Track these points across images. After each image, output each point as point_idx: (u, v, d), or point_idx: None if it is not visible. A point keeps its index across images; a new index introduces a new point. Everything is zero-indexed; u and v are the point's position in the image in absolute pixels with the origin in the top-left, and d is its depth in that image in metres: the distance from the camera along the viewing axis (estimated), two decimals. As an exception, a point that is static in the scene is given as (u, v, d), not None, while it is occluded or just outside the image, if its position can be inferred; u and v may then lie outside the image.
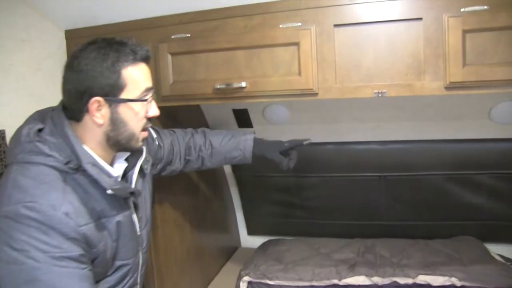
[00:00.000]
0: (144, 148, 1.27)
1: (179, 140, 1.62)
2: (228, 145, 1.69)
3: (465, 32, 1.43)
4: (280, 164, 1.68)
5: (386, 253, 2.05)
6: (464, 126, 1.99)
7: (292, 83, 1.57)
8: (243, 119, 2.12)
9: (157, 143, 1.49)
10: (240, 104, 2.06)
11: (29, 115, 1.15)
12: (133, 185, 1.22)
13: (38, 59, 1.76)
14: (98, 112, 1.07)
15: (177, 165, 1.61)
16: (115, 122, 1.09)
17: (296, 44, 1.55)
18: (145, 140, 1.21)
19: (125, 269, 1.21)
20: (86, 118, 1.09)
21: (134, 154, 1.24)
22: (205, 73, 1.66)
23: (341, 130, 2.10)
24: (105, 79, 1.05)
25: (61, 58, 1.85)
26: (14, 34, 1.65)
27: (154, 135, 1.49)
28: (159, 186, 1.67)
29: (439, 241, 2.17)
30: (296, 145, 1.70)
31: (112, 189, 1.08)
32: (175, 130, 1.65)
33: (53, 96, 1.68)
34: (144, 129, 1.17)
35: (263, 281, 1.85)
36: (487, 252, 2.02)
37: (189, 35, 1.67)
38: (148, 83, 1.14)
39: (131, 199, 1.21)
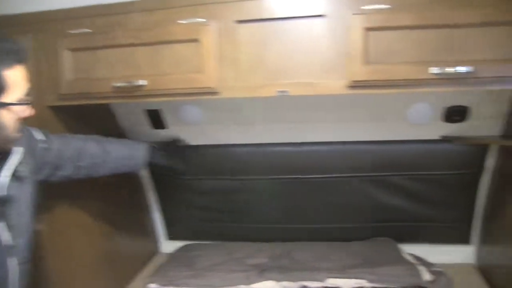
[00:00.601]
0: (18, 150, 1.17)
1: (71, 145, 1.52)
2: (122, 153, 1.65)
3: (368, 30, 1.40)
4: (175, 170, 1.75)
5: (303, 257, 2.03)
6: (380, 128, 1.97)
7: (193, 81, 1.50)
8: (156, 120, 2.03)
9: (43, 146, 1.38)
10: (152, 105, 1.97)
11: None
12: (3, 191, 1.11)
13: None
14: None
15: (68, 171, 1.50)
16: None
17: (197, 40, 1.48)
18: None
19: None
20: None
21: (3, 157, 1.14)
22: (104, 70, 1.57)
23: (257, 131, 2.04)
24: None
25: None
26: None
27: (39, 137, 1.38)
28: (61, 190, 1.56)
29: (357, 243, 2.17)
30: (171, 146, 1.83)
31: None
32: (67, 135, 1.56)
33: None
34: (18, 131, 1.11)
35: None
36: (399, 252, 2.02)
37: (88, 30, 1.57)
38: (27, 84, 1.09)
39: None
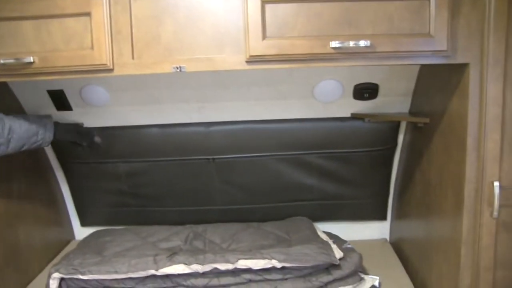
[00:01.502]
0: None
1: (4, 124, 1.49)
2: (27, 131, 1.63)
3: (264, 2, 1.37)
4: (82, 143, 1.87)
5: (216, 239, 2.00)
6: (291, 106, 1.97)
7: (85, 58, 1.42)
8: (60, 101, 1.93)
9: None
10: (54, 84, 1.87)
11: None
12: None
13: None
14: None
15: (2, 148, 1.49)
16: None
17: (88, 14, 1.40)
18: None
19: None
20: None
21: None
22: (-11, 46, 1.45)
23: (165, 111, 1.99)
24: None
25: None
26: None
27: None
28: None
29: (272, 223, 2.16)
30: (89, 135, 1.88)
31: None
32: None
33: None
34: None
35: (75, 276, 1.67)
36: (314, 231, 2.02)
37: (-30, 2, 1.45)
38: None
39: None
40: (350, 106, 1.96)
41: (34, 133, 1.67)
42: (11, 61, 1.42)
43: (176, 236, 2.04)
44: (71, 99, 1.94)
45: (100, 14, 1.39)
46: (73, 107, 1.97)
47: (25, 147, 1.65)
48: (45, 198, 2.20)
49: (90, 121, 2.03)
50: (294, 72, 1.80)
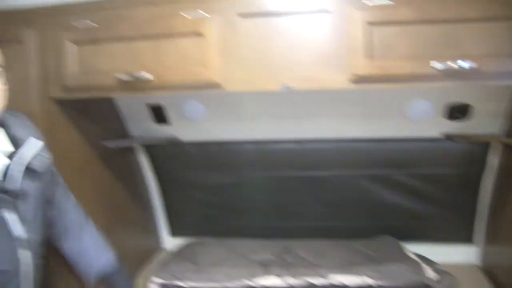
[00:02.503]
0: (35, 143, 1.19)
1: (57, 190, 1.45)
2: (91, 250, 1.52)
3: (370, 25, 1.41)
4: None
5: (305, 254, 2.03)
6: (381, 125, 1.98)
7: (197, 75, 1.51)
8: (159, 115, 2.04)
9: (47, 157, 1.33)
10: (155, 100, 1.98)
11: None
12: (16, 183, 1.12)
13: None
14: None
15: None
16: None
17: (200, 34, 1.49)
18: None
19: (3, 279, 1.11)
20: None
21: (18, 151, 1.16)
22: (109, 63, 1.57)
23: (259, 128, 2.06)
24: None
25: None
26: None
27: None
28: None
29: (359, 241, 2.16)
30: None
31: None
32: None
33: None
34: None
35: (173, 282, 1.78)
36: (402, 251, 2.02)
37: (92, 23, 1.58)
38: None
39: (3, 197, 1.11)
40: (440, 126, 1.95)
41: (92, 258, 1.51)
42: (128, 77, 1.53)
43: (266, 249, 2.09)
44: (170, 114, 2.04)
45: (212, 34, 1.48)
46: (171, 121, 2.08)
47: (76, 262, 1.51)
48: (139, 206, 2.32)
49: (186, 135, 2.13)
50: (385, 91, 1.82)
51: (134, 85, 1.55)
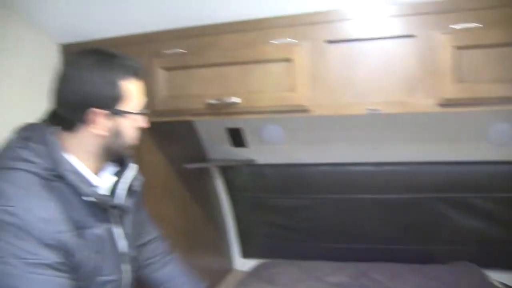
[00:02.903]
0: (133, 167, 1.26)
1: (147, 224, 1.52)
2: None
3: (458, 48, 1.42)
4: None
5: (381, 278, 2.02)
6: (459, 148, 1.97)
7: (285, 99, 1.56)
8: (237, 138, 2.10)
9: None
10: (233, 123, 2.04)
11: None
12: (121, 200, 1.20)
13: (32, 72, 1.75)
14: (97, 123, 1.08)
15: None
16: (114, 132, 1.11)
17: (289, 60, 1.54)
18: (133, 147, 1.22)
19: (110, 286, 1.18)
20: (81, 129, 1.09)
21: (123, 170, 1.24)
22: (198, 88, 1.65)
23: (336, 151, 2.09)
24: (104, 91, 1.07)
25: (54, 72, 1.85)
26: (8, 46, 1.65)
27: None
28: (149, 203, 1.63)
29: (436, 266, 2.12)
30: None
31: (89, 196, 1.07)
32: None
33: (46, 110, 1.70)
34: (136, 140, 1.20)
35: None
36: (485, 278, 1.97)
37: (182, 50, 1.66)
38: (143, 98, 1.17)
39: (112, 213, 1.19)
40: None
41: None
42: (218, 101, 1.59)
43: (341, 271, 2.11)
44: (248, 137, 2.10)
45: (301, 59, 1.54)
46: (249, 144, 2.14)
47: None
48: (213, 227, 2.39)
49: (263, 158, 2.19)
50: (464, 114, 1.82)
51: (223, 109, 1.61)
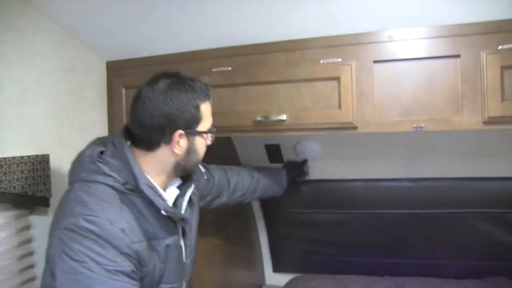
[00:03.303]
0: (194, 180, 1.33)
1: (229, 178, 1.70)
2: (269, 182, 1.89)
3: (503, 68, 1.47)
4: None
5: (418, 292, 2.04)
6: (495, 164, 2.00)
7: (332, 116, 1.61)
8: (275, 154, 2.14)
9: (205, 177, 1.53)
10: (272, 139, 2.09)
11: (72, 142, 1.26)
12: (182, 212, 1.26)
13: (81, 89, 1.82)
14: (179, 143, 1.16)
15: (225, 200, 1.69)
16: (189, 151, 1.20)
17: (337, 78, 1.59)
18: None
19: None
20: (162, 148, 1.17)
21: (185, 184, 1.30)
22: (245, 105, 1.70)
23: (371, 167, 2.12)
24: (188, 113, 1.15)
25: (102, 88, 1.92)
26: (60, 65, 1.72)
27: (203, 170, 1.54)
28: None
29: (471, 281, 2.14)
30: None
31: (165, 211, 1.15)
32: (225, 167, 1.74)
33: (93, 125, 1.78)
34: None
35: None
36: None
37: (230, 68, 1.71)
38: (211, 117, 1.26)
39: (180, 225, 1.26)
40: None
41: (274, 184, 1.94)
42: (265, 118, 1.64)
43: (377, 284, 2.14)
44: (285, 153, 2.15)
45: (348, 78, 1.58)
46: (285, 160, 2.18)
47: (264, 195, 1.93)
48: (248, 243, 2.42)
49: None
50: (503, 132, 1.84)
51: (270, 125, 1.66)
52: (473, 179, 2.06)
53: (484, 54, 1.49)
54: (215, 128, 1.28)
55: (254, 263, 2.52)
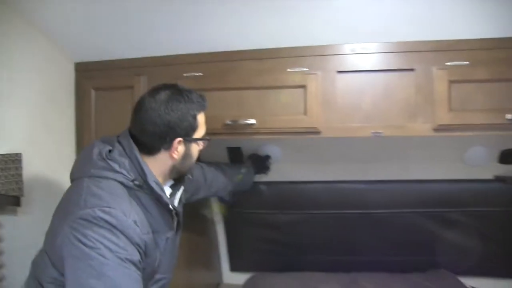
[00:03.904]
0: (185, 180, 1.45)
1: (207, 176, 1.80)
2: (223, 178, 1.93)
3: (450, 82, 1.65)
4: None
5: (369, 285, 2.19)
6: (440, 168, 2.20)
7: (298, 121, 1.72)
8: (236, 156, 2.23)
9: (189, 177, 1.59)
10: (234, 143, 2.18)
11: (43, 142, 1.51)
12: (175, 207, 1.36)
13: (51, 89, 1.83)
14: (177, 150, 1.27)
15: (201, 195, 1.79)
16: (185, 156, 1.31)
17: (303, 86, 1.71)
18: None
19: (161, 283, 1.36)
20: (162, 153, 1.27)
21: (176, 184, 1.42)
22: (216, 109, 1.75)
23: (329, 170, 2.25)
24: (187, 122, 1.26)
25: (71, 89, 1.92)
26: (31, 64, 1.72)
27: None
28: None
29: (416, 274, 2.33)
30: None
31: (172, 205, 1.28)
32: (203, 165, 1.82)
33: (63, 125, 1.78)
34: None
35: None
36: (459, 283, 2.21)
37: (201, 73, 1.79)
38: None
39: (175, 220, 1.37)
40: (493, 169, 2.17)
41: (244, 181, 2.02)
42: (235, 122, 1.73)
43: (332, 281, 2.26)
44: (246, 156, 2.24)
45: (314, 86, 1.71)
46: (246, 163, 2.27)
47: (236, 190, 2.02)
48: (207, 242, 2.48)
49: (258, 176, 2.30)
50: (446, 138, 2.04)
51: (239, 129, 1.75)
52: (420, 181, 2.25)
53: (435, 69, 1.66)
54: (208, 136, 1.40)
55: (213, 262, 2.57)
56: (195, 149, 1.35)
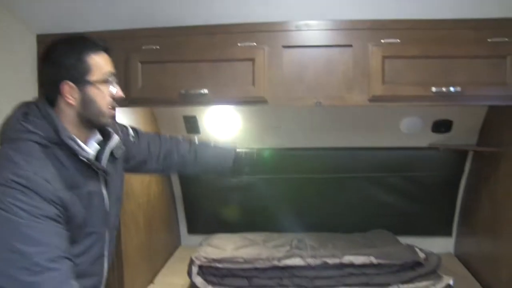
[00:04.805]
0: (115, 136, 1.47)
1: (160, 143, 1.81)
2: (212, 160, 1.92)
3: (384, 57, 1.83)
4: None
5: (315, 244, 2.38)
6: (379, 136, 2.43)
7: (247, 91, 1.87)
8: (192, 125, 2.37)
9: (132, 139, 1.68)
10: (190, 111, 2.31)
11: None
12: (104, 165, 1.42)
13: (14, 62, 1.90)
14: (70, 94, 1.28)
15: (154, 166, 1.80)
16: (87, 102, 1.31)
17: (252, 60, 1.86)
18: (112, 117, 1.42)
19: (93, 238, 1.39)
20: (60, 101, 1.31)
21: (105, 140, 1.45)
22: (172, 80, 1.90)
23: (279, 137, 2.44)
24: (73, 67, 1.28)
25: (33, 61, 2.00)
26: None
27: (131, 133, 1.69)
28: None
29: (357, 234, 2.57)
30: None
31: (83, 157, 1.30)
32: (161, 135, 1.86)
33: (26, 97, 1.85)
34: (111, 108, 1.39)
35: (212, 264, 2.09)
36: (396, 239, 2.45)
37: (158, 47, 1.91)
38: (109, 67, 1.36)
39: (102, 176, 1.41)
40: (427, 138, 2.41)
41: (217, 164, 1.91)
42: (190, 92, 1.87)
43: (281, 239, 2.46)
44: (201, 124, 2.40)
45: (261, 60, 1.86)
46: (202, 131, 2.44)
47: (207, 173, 2.09)
48: (167, 205, 2.64)
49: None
50: (384, 109, 2.25)
51: (193, 98, 1.88)
52: (361, 148, 2.49)
53: (370, 46, 1.84)
54: (116, 79, 1.37)
55: (172, 225, 2.74)
56: (97, 94, 1.31)
